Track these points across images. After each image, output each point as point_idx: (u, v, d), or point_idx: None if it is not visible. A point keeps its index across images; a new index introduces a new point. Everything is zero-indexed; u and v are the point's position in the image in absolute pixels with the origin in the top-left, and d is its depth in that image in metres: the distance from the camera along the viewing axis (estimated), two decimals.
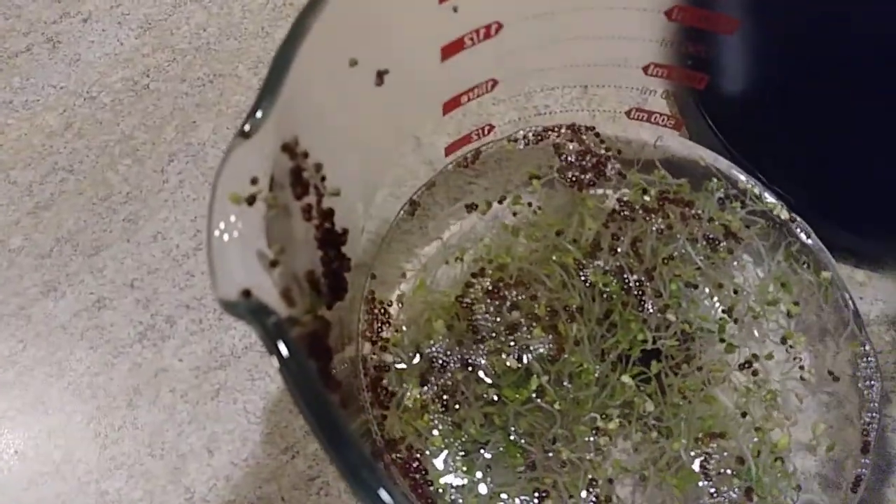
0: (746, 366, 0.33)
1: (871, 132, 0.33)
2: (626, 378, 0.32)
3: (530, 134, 0.37)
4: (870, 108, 0.32)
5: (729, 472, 0.30)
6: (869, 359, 0.33)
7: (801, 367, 0.33)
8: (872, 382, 0.32)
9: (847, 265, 0.38)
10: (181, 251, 0.39)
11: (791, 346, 0.34)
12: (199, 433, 0.35)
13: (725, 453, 0.30)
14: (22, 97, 0.43)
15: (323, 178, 0.24)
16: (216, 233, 0.19)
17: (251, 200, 0.20)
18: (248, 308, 0.18)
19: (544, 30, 0.32)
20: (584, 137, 0.37)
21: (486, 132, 0.36)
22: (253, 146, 0.20)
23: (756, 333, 0.34)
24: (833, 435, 0.32)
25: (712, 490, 0.30)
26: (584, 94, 0.40)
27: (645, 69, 0.35)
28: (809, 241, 0.35)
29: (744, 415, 0.31)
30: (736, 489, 0.30)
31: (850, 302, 0.34)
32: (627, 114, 0.37)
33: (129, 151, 0.41)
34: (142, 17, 0.45)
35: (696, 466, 0.30)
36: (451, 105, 0.32)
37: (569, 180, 0.36)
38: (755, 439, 0.31)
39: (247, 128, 0.21)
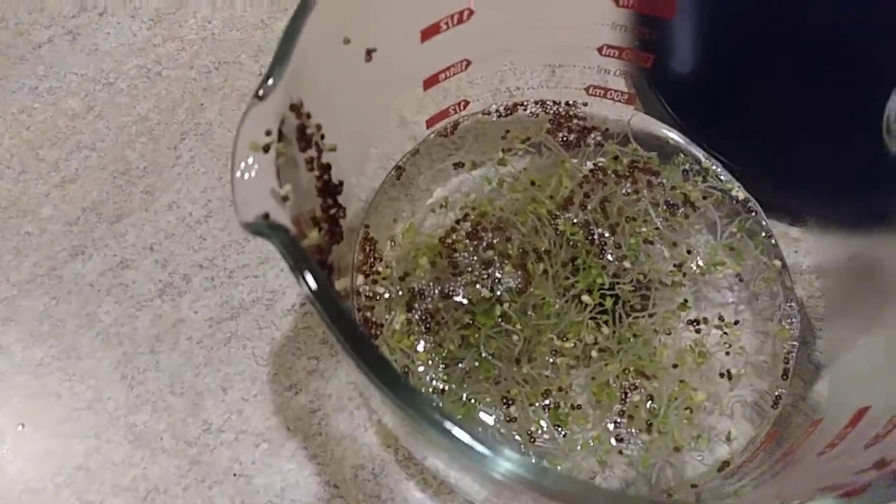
0: (694, 323, 0.38)
1: (793, 102, 0.38)
2: (585, 297, 0.37)
3: (501, 108, 0.42)
4: (792, 80, 0.37)
5: (642, 406, 0.35)
6: (791, 303, 0.38)
7: (736, 324, 0.38)
8: (793, 320, 0.38)
9: (782, 223, 0.43)
10: (194, 218, 0.44)
11: (729, 323, 0.38)
12: (213, 374, 0.40)
13: (643, 390, 0.36)
14: (46, 84, 0.48)
15: (322, 137, 0.29)
16: (238, 173, 0.25)
17: (266, 148, 0.25)
18: (266, 226, 0.23)
19: (510, 16, 0.37)
20: (553, 110, 0.42)
21: (462, 107, 0.41)
22: (266, 106, 0.25)
23: (705, 293, 0.40)
24: (759, 366, 0.38)
25: (623, 410, 0.35)
26: (552, 76, 0.45)
27: (599, 50, 0.40)
28: (759, 219, 0.41)
29: (675, 366, 0.36)
30: (643, 416, 0.35)
31: (781, 255, 0.40)
32: (586, 90, 0.42)
33: (144, 131, 0.46)
34: (152, 10, 0.50)
35: (617, 392, 0.36)
36: (431, 82, 0.37)
37: (560, 140, 0.42)
38: (675, 388, 0.36)
39: (261, 92, 0.26)
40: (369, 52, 0.31)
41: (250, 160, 0.25)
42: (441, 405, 0.34)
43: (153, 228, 0.44)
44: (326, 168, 0.30)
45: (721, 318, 0.38)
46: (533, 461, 0.20)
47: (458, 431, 0.20)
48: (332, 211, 0.30)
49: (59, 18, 0.50)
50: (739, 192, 0.41)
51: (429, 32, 0.34)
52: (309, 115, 0.28)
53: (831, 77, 0.33)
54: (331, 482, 0.38)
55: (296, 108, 0.27)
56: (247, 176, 0.25)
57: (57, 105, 0.47)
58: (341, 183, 0.31)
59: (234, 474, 0.38)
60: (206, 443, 0.39)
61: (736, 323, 0.38)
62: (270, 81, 0.26)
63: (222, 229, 0.44)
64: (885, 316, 0.32)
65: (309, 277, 0.22)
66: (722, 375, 0.36)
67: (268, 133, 0.25)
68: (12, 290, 0.42)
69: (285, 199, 0.25)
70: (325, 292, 0.22)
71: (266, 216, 0.24)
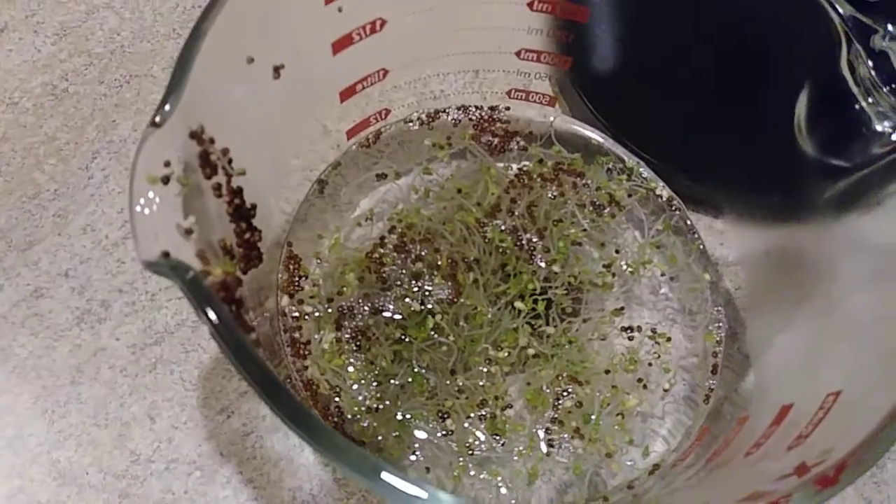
0: (628, 330, 0.38)
1: (707, 98, 0.38)
2: (518, 304, 0.37)
3: (423, 115, 0.41)
4: (705, 77, 0.38)
5: (575, 411, 0.35)
6: (718, 308, 0.39)
7: (669, 340, 0.38)
8: (720, 324, 0.38)
9: (707, 217, 0.44)
10: (111, 241, 0.42)
11: (662, 334, 0.38)
12: (140, 403, 0.39)
13: (574, 396, 0.36)
14: None
15: (230, 161, 0.28)
16: (137, 208, 0.23)
17: (165, 180, 0.24)
18: (167, 265, 0.22)
19: (424, 24, 0.36)
20: (476, 115, 0.42)
21: (383, 116, 0.40)
22: (164, 134, 0.24)
23: (635, 292, 0.40)
24: (690, 364, 0.38)
25: (555, 417, 0.35)
26: (475, 79, 0.44)
27: (518, 54, 0.40)
28: (683, 215, 0.41)
29: (607, 372, 0.36)
30: (573, 424, 0.35)
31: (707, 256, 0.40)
32: (508, 94, 0.42)
33: (53, 152, 0.44)
34: (57, 24, 0.47)
35: (550, 398, 0.36)
36: (347, 93, 0.36)
37: (484, 145, 0.41)
38: (608, 394, 0.36)
39: (157, 119, 0.24)
40: (277, 69, 0.30)
41: (150, 194, 0.24)
42: (374, 425, 0.34)
43: (67, 254, 0.42)
44: (237, 192, 0.29)
45: (653, 328, 0.38)
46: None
47: (386, 476, 0.20)
48: (247, 235, 0.29)
49: None
50: (664, 191, 0.41)
51: (340, 44, 0.33)
52: (213, 141, 0.27)
53: (745, 76, 0.34)
54: None
55: (196, 135, 0.26)
56: (147, 211, 0.24)
57: None
58: (254, 206, 0.30)
59: None
60: (135, 475, 0.37)
61: (666, 332, 0.38)
62: (167, 107, 0.25)
63: None
64: (801, 311, 0.32)
65: (212, 315, 0.21)
66: (651, 386, 0.37)
67: (167, 164, 0.24)
68: None
69: (189, 232, 0.24)
70: (229, 332, 0.21)
71: (166, 254, 0.23)
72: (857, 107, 0.27)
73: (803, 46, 0.29)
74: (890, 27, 0.26)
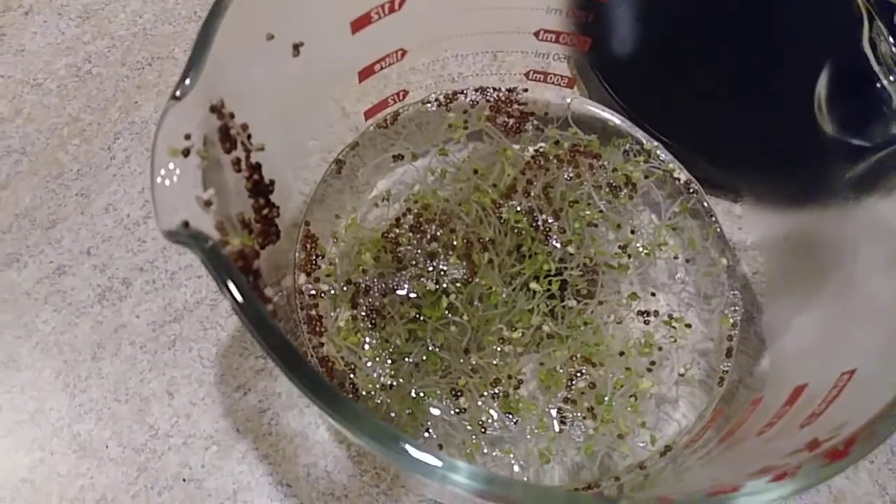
0: (644, 314, 0.38)
1: (728, 81, 0.38)
2: (533, 285, 0.37)
3: (441, 97, 0.41)
4: (726, 59, 0.38)
5: (588, 392, 0.35)
6: (734, 291, 0.39)
7: (688, 326, 0.38)
8: (736, 307, 0.38)
9: (726, 201, 0.43)
10: (132, 220, 0.43)
11: (679, 318, 0.38)
12: (159, 379, 0.40)
13: (588, 377, 0.36)
14: None
15: (249, 136, 0.28)
16: (157, 179, 0.24)
17: (186, 153, 0.25)
18: (187, 234, 0.23)
19: (443, 3, 0.36)
20: (493, 97, 0.42)
21: (401, 97, 0.40)
22: (184, 107, 0.24)
23: (651, 274, 0.40)
24: (705, 347, 0.38)
25: (568, 397, 0.36)
26: (493, 61, 0.44)
27: (536, 35, 0.40)
28: (701, 198, 0.41)
29: (621, 354, 0.36)
30: (586, 404, 0.35)
31: (725, 240, 0.40)
32: (526, 75, 0.42)
33: (76, 132, 0.45)
34: (81, 7, 0.48)
35: (564, 378, 0.36)
36: (366, 73, 0.36)
37: (500, 127, 0.41)
38: (621, 376, 0.36)
39: (178, 93, 0.25)
40: (296, 47, 0.31)
41: (171, 165, 0.24)
42: (388, 402, 0.34)
43: (90, 232, 0.43)
44: (256, 168, 0.29)
45: (670, 314, 0.38)
46: (481, 473, 0.20)
47: (406, 446, 0.20)
48: (265, 211, 0.30)
49: None
50: (681, 174, 0.41)
51: (359, 23, 0.33)
52: (232, 115, 0.27)
53: (765, 56, 0.34)
54: (283, 482, 0.37)
55: (216, 109, 0.26)
56: (167, 182, 0.24)
57: None
58: (273, 182, 0.30)
59: (184, 479, 0.37)
60: (153, 449, 0.38)
61: (682, 316, 0.38)
62: (187, 82, 0.25)
63: None
64: (820, 294, 0.32)
65: (232, 287, 0.21)
66: (665, 369, 0.36)
67: (187, 137, 0.25)
68: None
69: (208, 203, 0.25)
70: (249, 302, 0.21)
71: (186, 224, 0.23)
72: (878, 85, 0.27)
73: (825, 24, 0.29)
74: None
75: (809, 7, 0.30)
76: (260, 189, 0.29)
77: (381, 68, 0.37)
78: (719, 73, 0.38)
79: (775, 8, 0.33)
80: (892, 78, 0.26)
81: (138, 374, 0.40)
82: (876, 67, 0.27)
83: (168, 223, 0.23)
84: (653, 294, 0.39)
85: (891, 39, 0.26)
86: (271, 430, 0.39)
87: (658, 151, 0.41)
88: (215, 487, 0.37)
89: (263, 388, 0.40)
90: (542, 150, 0.40)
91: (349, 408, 0.21)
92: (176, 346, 0.40)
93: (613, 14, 0.39)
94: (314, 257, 0.37)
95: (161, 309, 0.41)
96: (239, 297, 0.22)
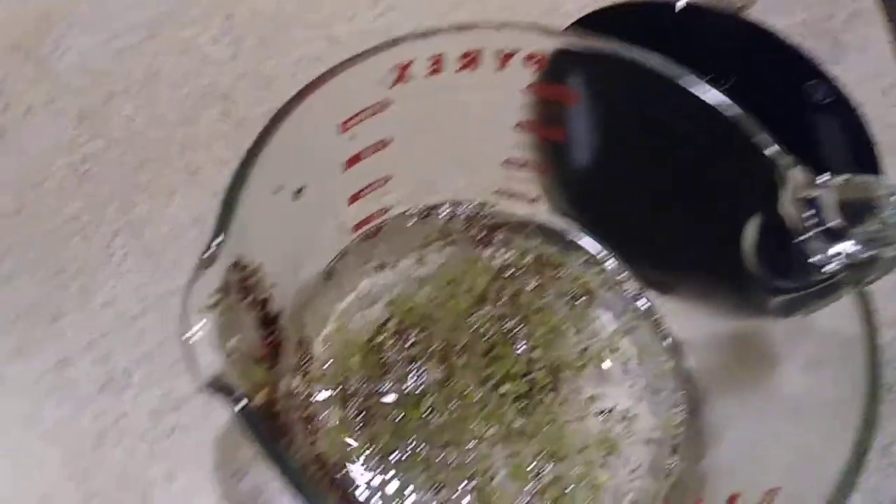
0: (601, 413, 0.43)
1: (673, 207, 0.42)
2: (503, 386, 0.41)
3: (419, 210, 0.46)
4: (668, 188, 0.42)
5: (552, 485, 0.40)
6: (678, 393, 0.43)
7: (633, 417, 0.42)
8: (678, 407, 0.43)
9: (672, 303, 0.48)
10: (130, 314, 0.46)
11: (633, 416, 0.43)
12: (158, 465, 0.43)
13: (552, 473, 0.40)
14: None
15: (261, 279, 0.32)
16: (190, 336, 0.28)
17: (212, 306, 0.28)
18: (219, 388, 0.26)
19: (426, 141, 0.41)
20: (466, 211, 0.47)
21: (383, 212, 0.45)
22: (213, 272, 0.28)
23: (606, 376, 0.44)
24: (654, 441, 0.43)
25: (534, 491, 0.40)
26: (467, 181, 0.47)
27: (505, 162, 0.44)
28: (650, 305, 0.46)
29: (581, 451, 0.41)
30: (548, 496, 0.40)
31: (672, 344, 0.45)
32: (496, 192, 0.47)
33: (76, 231, 0.48)
34: (77, 110, 0.51)
35: (530, 473, 0.40)
36: (354, 198, 0.41)
37: (471, 238, 0.46)
38: (582, 470, 0.40)
39: (205, 256, 0.29)
40: (298, 191, 0.35)
41: (201, 323, 0.28)
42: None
43: (91, 326, 0.46)
44: (264, 303, 0.33)
45: (623, 412, 0.43)
46: None
47: None
48: (271, 339, 0.34)
49: None
50: (631, 283, 0.46)
51: (351, 162, 0.38)
52: (246, 266, 0.31)
53: (696, 194, 0.38)
54: None
55: (237, 265, 0.30)
56: (197, 337, 0.28)
57: None
58: (279, 313, 0.34)
59: None
60: None
61: (634, 410, 0.43)
62: (215, 246, 0.29)
63: (160, 323, 0.46)
64: (754, 400, 0.37)
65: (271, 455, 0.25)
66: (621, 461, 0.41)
67: (211, 295, 0.28)
68: None
69: (231, 352, 0.29)
70: (283, 463, 0.25)
71: (217, 379, 0.27)
72: (794, 242, 0.32)
73: (752, 184, 0.34)
74: (819, 179, 0.31)
75: (740, 167, 0.35)
76: (268, 320, 0.33)
77: (369, 192, 0.41)
78: (660, 202, 0.42)
79: (710, 161, 0.37)
80: (807, 236, 0.31)
81: (139, 462, 0.43)
82: (793, 227, 0.31)
83: (202, 378, 0.27)
84: (610, 411, 0.43)
85: (806, 206, 0.31)
86: None
87: (612, 261, 0.46)
88: None
89: (259, 472, 0.43)
90: (509, 260, 0.45)
91: None
92: (175, 434, 0.43)
93: (569, 149, 0.43)
94: (305, 361, 0.41)
95: (160, 398, 0.44)
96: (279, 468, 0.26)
